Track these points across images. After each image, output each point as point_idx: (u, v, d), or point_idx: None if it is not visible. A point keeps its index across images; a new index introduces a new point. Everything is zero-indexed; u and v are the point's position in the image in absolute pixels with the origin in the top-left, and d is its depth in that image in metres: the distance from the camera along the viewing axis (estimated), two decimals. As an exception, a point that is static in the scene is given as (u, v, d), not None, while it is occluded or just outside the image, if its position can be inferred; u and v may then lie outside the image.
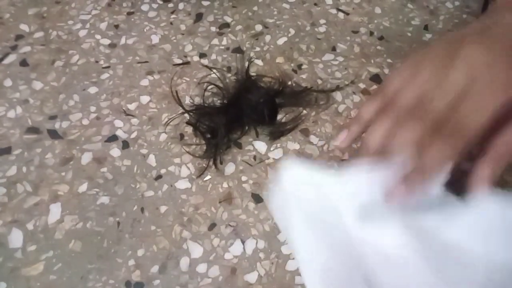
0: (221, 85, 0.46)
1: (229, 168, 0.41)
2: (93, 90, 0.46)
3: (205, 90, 0.46)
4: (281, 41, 0.51)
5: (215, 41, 0.51)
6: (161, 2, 0.54)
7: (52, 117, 0.44)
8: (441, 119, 0.31)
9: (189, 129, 0.44)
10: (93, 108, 0.45)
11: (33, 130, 0.43)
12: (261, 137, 0.43)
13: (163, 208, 0.39)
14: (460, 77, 0.31)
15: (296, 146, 0.43)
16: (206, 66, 0.48)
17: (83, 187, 0.40)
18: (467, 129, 0.30)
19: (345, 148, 0.34)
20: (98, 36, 0.51)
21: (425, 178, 0.30)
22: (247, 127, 0.44)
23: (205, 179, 0.41)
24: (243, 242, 0.37)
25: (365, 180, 0.32)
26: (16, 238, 0.37)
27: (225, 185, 0.40)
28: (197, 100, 0.45)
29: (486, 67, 0.31)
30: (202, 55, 0.50)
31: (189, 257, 0.36)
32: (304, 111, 0.45)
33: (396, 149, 0.31)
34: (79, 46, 0.50)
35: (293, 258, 0.36)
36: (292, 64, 0.49)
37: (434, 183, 0.31)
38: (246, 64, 0.48)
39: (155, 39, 0.51)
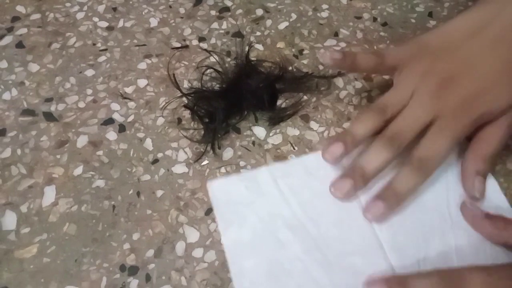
0: (220, 69, 0.45)
1: (227, 153, 0.41)
2: (89, 73, 0.46)
3: (203, 74, 0.45)
4: (282, 25, 0.50)
5: (215, 25, 0.50)
6: (160, -15, 0.53)
7: (48, 100, 0.44)
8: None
9: (187, 113, 0.43)
10: (89, 91, 0.44)
11: (28, 112, 0.43)
12: (260, 123, 0.43)
13: (159, 193, 0.38)
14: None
15: (296, 132, 0.42)
16: (205, 50, 0.47)
17: (78, 170, 0.39)
18: (427, 162, 0.35)
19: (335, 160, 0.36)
20: (95, 19, 0.50)
21: (389, 207, 0.35)
22: (246, 112, 0.43)
23: (202, 164, 0.40)
24: (240, 228, 0.36)
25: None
26: (9, 221, 0.37)
27: (222, 170, 0.40)
28: (196, 84, 0.45)
29: None
30: (201, 39, 0.49)
31: (185, 242, 0.36)
32: (305, 97, 0.44)
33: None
34: (76, 29, 0.49)
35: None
36: (293, 49, 0.48)
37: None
38: (246, 48, 0.47)
39: (153, 22, 0.50)
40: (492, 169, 0.39)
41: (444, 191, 0.38)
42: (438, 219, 0.36)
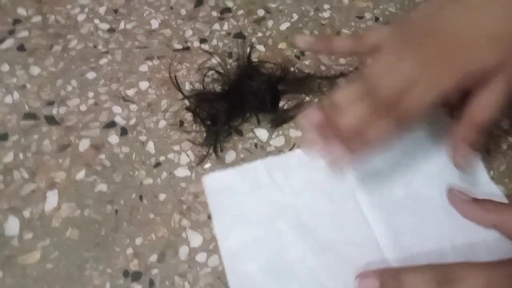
0: (222, 71, 0.45)
1: (230, 156, 0.41)
2: (91, 75, 0.45)
3: (205, 75, 0.44)
4: (283, 26, 0.50)
5: (216, 26, 0.50)
6: (161, -14, 0.53)
7: (50, 103, 0.43)
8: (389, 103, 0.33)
9: (189, 116, 0.43)
10: (91, 94, 0.44)
11: (30, 116, 0.43)
12: (263, 124, 0.42)
13: (162, 196, 0.38)
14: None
15: (298, 134, 0.42)
16: (207, 52, 0.47)
17: (80, 174, 0.39)
18: (407, 112, 0.33)
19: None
20: (96, 21, 0.50)
21: (366, 150, 0.34)
22: (248, 114, 0.43)
23: (205, 167, 0.40)
24: (243, 231, 0.36)
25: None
26: (12, 226, 0.37)
27: (225, 173, 0.40)
28: (197, 86, 0.44)
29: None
30: (202, 41, 0.48)
31: (188, 246, 0.36)
32: (307, 98, 0.44)
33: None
34: (78, 31, 0.49)
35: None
36: (295, 50, 0.48)
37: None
38: (248, 49, 0.47)
39: (154, 24, 0.50)
40: (484, 141, 0.39)
41: (437, 183, 0.38)
42: (433, 210, 0.37)
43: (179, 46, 0.48)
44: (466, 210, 0.35)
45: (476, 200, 0.35)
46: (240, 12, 0.51)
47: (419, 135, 0.41)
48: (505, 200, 0.37)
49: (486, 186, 0.38)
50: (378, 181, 0.38)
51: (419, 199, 0.37)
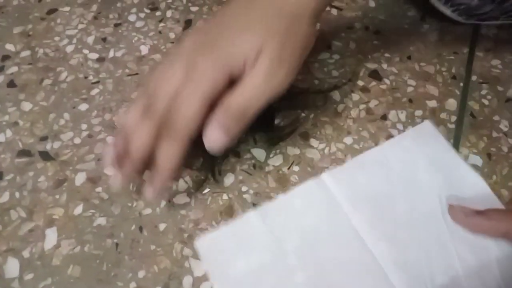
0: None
1: (228, 179, 0.40)
2: (83, 107, 0.45)
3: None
4: (274, 42, 0.49)
5: (206, 47, 0.49)
6: (148, 11, 0.53)
7: (43, 138, 0.43)
8: (165, 118, 0.32)
9: (184, 141, 0.42)
10: (84, 126, 0.44)
11: (24, 153, 0.42)
12: (259, 144, 0.42)
13: (162, 226, 0.38)
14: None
15: (296, 151, 0.41)
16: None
17: (78, 209, 0.39)
18: (181, 126, 0.32)
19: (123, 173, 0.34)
20: (85, 51, 0.49)
21: (163, 178, 0.34)
22: (244, 135, 0.42)
23: (203, 192, 0.39)
24: (247, 256, 0.36)
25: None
26: (12, 268, 0.36)
27: (225, 197, 0.39)
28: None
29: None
30: (193, 63, 0.48)
31: (191, 276, 0.35)
32: (302, 114, 0.44)
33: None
34: (67, 63, 0.49)
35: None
36: (287, 66, 0.47)
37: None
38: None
39: (144, 49, 0.49)
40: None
41: (438, 203, 0.37)
42: (435, 230, 0.35)
43: (170, 71, 0.48)
44: (473, 224, 0.34)
45: (479, 212, 0.34)
46: (229, 31, 0.51)
47: (411, 151, 0.40)
48: (502, 206, 0.36)
49: (483, 193, 0.37)
50: (376, 210, 0.37)
51: (422, 224, 0.36)
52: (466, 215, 0.34)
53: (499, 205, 0.36)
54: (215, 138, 0.33)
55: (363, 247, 0.35)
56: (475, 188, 0.37)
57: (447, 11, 0.48)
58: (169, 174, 0.34)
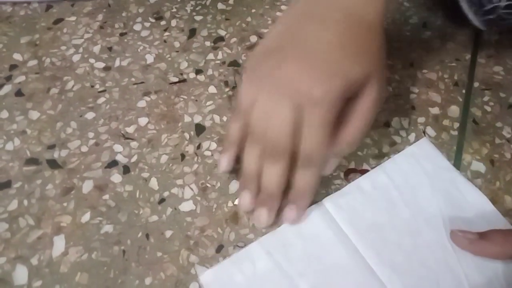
0: (219, 100, 0.45)
1: (233, 186, 0.40)
2: (90, 115, 0.46)
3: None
4: (277, 50, 0.50)
5: (211, 55, 0.50)
6: (153, 21, 0.54)
7: (51, 147, 0.44)
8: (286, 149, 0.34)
9: (190, 149, 0.43)
10: (91, 134, 0.44)
11: (32, 161, 0.43)
12: (264, 152, 0.42)
13: (168, 233, 0.38)
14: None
15: (300, 158, 0.42)
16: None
17: (86, 217, 0.39)
18: (315, 156, 0.34)
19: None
20: (92, 60, 0.50)
21: (307, 202, 0.37)
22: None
23: (209, 199, 0.40)
24: (252, 263, 0.36)
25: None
26: (20, 275, 0.36)
27: (230, 203, 0.39)
28: (196, 117, 0.44)
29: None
30: (198, 71, 0.49)
31: (198, 283, 0.35)
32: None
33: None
34: (74, 72, 0.49)
35: (305, 276, 0.35)
36: (290, 74, 0.48)
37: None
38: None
39: (149, 58, 0.50)
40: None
41: (441, 226, 0.37)
42: (441, 255, 0.35)
43: (175, 79, 0.48)
44: (477, 249, 0.34)
45: (483, 236, 0.34)
46: (233, 40, 0.52)
47: (410, 172, 0.40)
48: (505, 220, 0.36)
49: (486, 209, 0.38)
50: (381, 236, 0.37)
51: (427, 248, 0.36)
52: (470, 242, 0.34)
53: (502, 220, 0.37)
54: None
55: (371, 275, 0.35)
56: (477, 206, 0.38)
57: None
58: (310, 198, 0.37)
